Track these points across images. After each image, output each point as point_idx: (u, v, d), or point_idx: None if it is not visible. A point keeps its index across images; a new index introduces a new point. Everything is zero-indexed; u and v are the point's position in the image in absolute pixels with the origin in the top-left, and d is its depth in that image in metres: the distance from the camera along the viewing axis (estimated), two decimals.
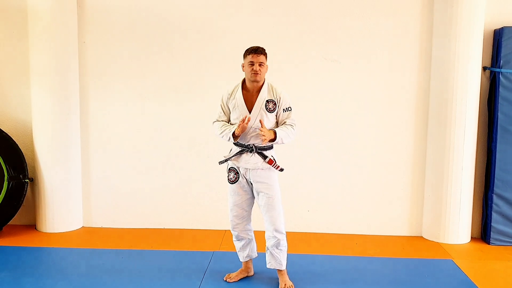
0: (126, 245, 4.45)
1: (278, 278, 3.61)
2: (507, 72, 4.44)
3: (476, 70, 4.43)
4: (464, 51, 4.38)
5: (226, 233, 4.78)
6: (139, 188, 4.96)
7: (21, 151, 4.78)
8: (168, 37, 4.79)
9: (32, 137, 4.81)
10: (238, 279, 3.69)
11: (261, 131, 3.30)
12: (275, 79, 4.50)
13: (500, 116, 4.47)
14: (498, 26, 4.52)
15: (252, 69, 3.34)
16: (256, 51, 3.34)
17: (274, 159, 3.45)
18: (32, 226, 4.97)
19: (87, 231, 4.89)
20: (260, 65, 3.34)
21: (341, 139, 4.80)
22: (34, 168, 4.81)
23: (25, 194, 4.76)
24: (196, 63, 4.79)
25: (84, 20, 4.80)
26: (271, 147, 3.48)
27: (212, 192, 4.88)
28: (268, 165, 3.43)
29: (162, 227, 4.97)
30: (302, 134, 4.74)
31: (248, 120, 3.32)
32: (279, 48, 4.70)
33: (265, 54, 3.39)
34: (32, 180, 4.83)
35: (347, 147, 4.80)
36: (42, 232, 4.81)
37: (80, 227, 4.97)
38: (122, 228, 4.95)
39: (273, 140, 3.37)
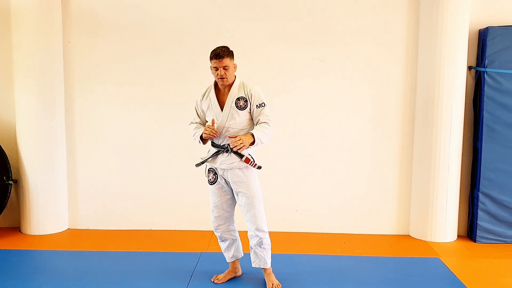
0: (113, 247, 4.41)
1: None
2: (492, 72, 4.48)
3: (461, 69, 4.46)
4: (449, 51, 4.41)
5: (213, 234, 4.75)
6: (126, 189, 4.91)
7: (5, 152, 4.71)
8: (155, 37, 4.75)
9: (15, 138, 4.74)
10: (226, 280, 3.67)
11: (236, 141, 3.22)
12: (262, 79, 4.52)
13: (485, 115, 4.51)
14: (483, 26, 4.57)
15: (217, 74, 3.34)
16: (217, 56, 3.29)
17: (251, 157, 3.40)
18: (16, 228, 4.89)
19: (73, 233, 4.83)
20: (224, 68, 3.31)
21: (328, 139, 4.80)
22: (18, 170, 4.74)
23: (9, 196, 4.70)
24: (184, 63, 4.77)
25: (69, 19, 4.74)
26: None
27: (200, 193, 4.85)
28: (245, 164, 3.39)
29: (149, 228, 4.93)
30: (289, 134, 4.76)
31: (213, 123, 3.34)
32: (267, 48, 4.70)
33: (229, 55, 3.33)
34: (16, 181, 4.76)
35: (334, 147, 4.81)
36: (27, 234, 4.74)
37: (66, 229, 4.91)
38: (108, 230, 4.90)
39: (253, 143, 3.30)
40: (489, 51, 4.46)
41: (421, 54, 4.59)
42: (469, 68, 4.63)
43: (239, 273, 3.76)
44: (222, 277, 3.68)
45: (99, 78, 4.82)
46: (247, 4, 4.70)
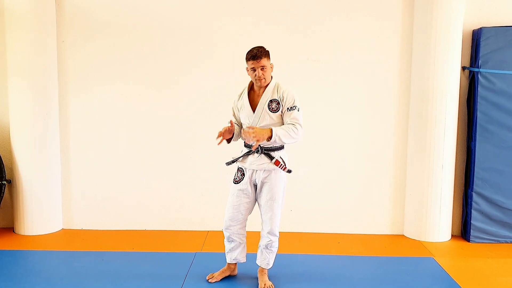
0: (107, 247, 4.40)
1: None
2: (485, 72, 4.50)
3: (455, 70, 4.48)
4: (443, 51, 4.42)
5: (208, 234, 4.76)
6: (120, 189, 4.90)
7: None
8: (150, 36, 4.75)
9: (9, 138, 4.72)
10: (221, 278, 3.67)
11: (248, 132, 3.20)
12: None
13: (479, 115, 4.53)
14: (477, 27, 4.59)
15: (255, 75, 3.31)
16: (255, 57, 3.26)
17: (282, 160, 3.39)
18: (10, 229, 4.87)
19: (67, 233, 4.81)
20: (262, 69, 3.29)
21: (323, 139, 4.81)
22: (12, 170, 4.72)
23: (3, 196, 4.67)
24: (180, 63, 4.76)
25: (63, 18, 4.73)
26: (280, 148, 3.43)
27: (195, 193, 4.86)
28: (274, 166, 3.38)
29: (143, 228, 4.92)
30: None
31: (231, 123, 3.32)
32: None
33: (266, 55, 3.31)
34: (10, 182, 4.74)
35: (329, 147, 4.82)
36: (21, 235, 4.71)
37: (60, 229, 4.89)
38: (102, 230, 4.88)
39: (269, 139, 3.25)
40: (482, 51, 4.48)
41: (415, 54, 4.61)
42: (463, 68, 4.65)
43: (235, 272, 3.76)
44: (217, 274, 3.67)
45: (93, 77, 4.80)
46: (243, 3, 4.70)
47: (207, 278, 3.66)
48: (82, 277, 3.71)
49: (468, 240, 4.64)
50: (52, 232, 4.80)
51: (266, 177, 3.42)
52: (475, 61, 4.54)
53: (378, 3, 4.66)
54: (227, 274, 3.71)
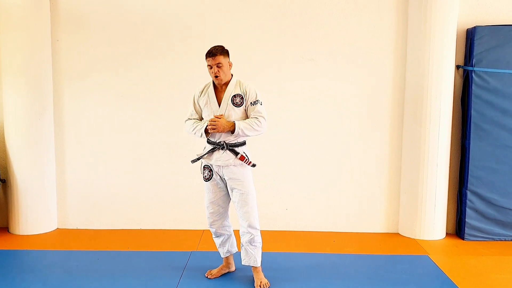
0: (102, 247, 4.39)
1: None
2: (479, 71, 4.52)
3: (449, 68, 4.50)
4: (438, 50, 4.44)
5: (204, 233, 4.76)
6: (115, 188, 4.89)
7: None
8: (145, 35, 4.74)
9: (3, 137, 4.70)
10: (220, 275, 3.71)
11: (211, 121, 3.32)
12: (253, 78, 4.52)
13: (473, 113, 4.55)
14: (471, 26, 4.61)
15: (212, 72, 3.38)
16: (210, 54, 3.35)
17: (246, 155, 3.46)
18: (4, 228, 4.86)
19: (62, 233, 4.80)
20: (218, 66, 3.36)
21: (318, 138, 4.82)
22: (6, 169, 4.70)
23: None
24: (174, 63, 4.76)
25: (58, 17, 4.71)
26: (243, 143, 3.49)
27: (189, 192, 4.85)
28: (240, 162, 3.43)
29: (139, 227, 4.92)
30: (279, 133, 4.76)
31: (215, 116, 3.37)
32: (257, 47, 4.71)
33: (223, 53, 3.37)
34: (4, 181, 4.72)
35: (324, 146, 4.83)
36: (15, 234, 4.70)
37: (54, 228, 4.88)
38: (98, 229, 4.88)
39: (232, 132, 3.37)
40: (476, 50, 4.50)
41: (410, 53, 4.62)
42: (457, 67, 4.67)
43: (233, 268, 3.79)
44: (215, 272, 3.71)
45: (88, 76, 4.79)
46: (238, 3, 4.70)
47: (206, 275, 3.70)
48: (77, 277, 3.70)
49: (463, 238, 4.66)
50: (47, 231, 4.79)
51: (233, 172, 3.45)
52: (469, 59, 4.56)
53: (373, 2, 4.67)
54: (225, 271, 3.75)
